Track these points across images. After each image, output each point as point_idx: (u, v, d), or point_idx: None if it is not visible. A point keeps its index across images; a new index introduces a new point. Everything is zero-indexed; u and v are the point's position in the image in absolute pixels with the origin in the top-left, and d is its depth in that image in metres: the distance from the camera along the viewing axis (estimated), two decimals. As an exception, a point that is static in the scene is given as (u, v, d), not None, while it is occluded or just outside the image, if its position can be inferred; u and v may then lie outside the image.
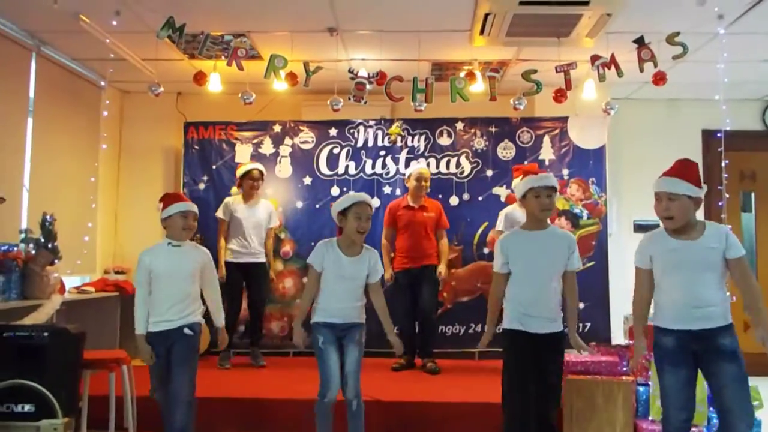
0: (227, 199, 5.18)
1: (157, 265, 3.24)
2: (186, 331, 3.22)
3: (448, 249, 5.12)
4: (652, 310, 3.00)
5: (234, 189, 5.34)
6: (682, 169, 2.88)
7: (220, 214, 5.11)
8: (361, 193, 3.37)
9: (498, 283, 3.24)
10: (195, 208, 3.36)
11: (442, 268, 4.99)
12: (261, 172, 5.18)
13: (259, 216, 5.11)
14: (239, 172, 5.18)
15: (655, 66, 4.15)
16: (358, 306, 3.34)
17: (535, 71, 4.36)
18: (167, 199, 3.35)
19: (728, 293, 2.95)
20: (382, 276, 3.71)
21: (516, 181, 4.42)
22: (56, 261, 4.20)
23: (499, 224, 4.83)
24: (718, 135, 4.57)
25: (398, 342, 3.41)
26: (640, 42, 4.13)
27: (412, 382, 4.56)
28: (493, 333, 3.28)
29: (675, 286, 2.85)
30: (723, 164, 4.58)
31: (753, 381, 3.67)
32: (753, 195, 6.21)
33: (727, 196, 4.66)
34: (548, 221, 3.26)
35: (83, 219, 5.28)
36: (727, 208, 5.07)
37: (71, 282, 4.94)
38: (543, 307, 3.11)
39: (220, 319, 3.47)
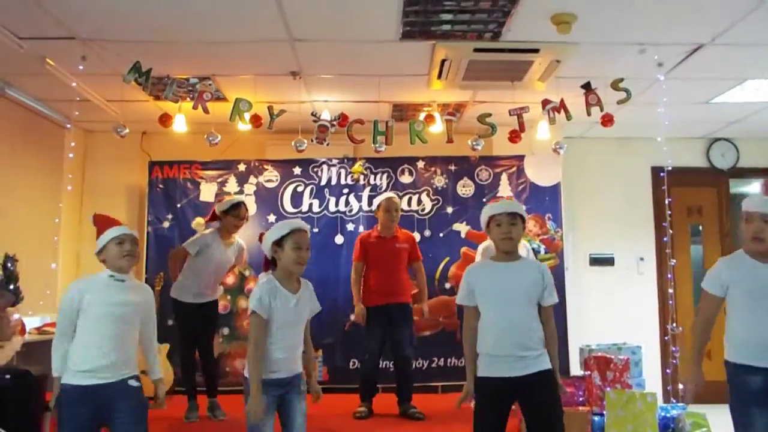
0: (205, 234, 4.54)
1: (92, 300, 2.76)
2: (132, 383, 2.78)
3: (425, 283, 4.82)
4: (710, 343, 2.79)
5: (198, 220, 4.89)
6: None
7: (189, 246, 4.46)
8: (297, 220, 2.96)
9: (467, 321, 2.82)
10: (133, 232, 2.94)
11: (425, 308, 4.68)
12: (247, 210, 4.60)
13: (230, 257, 4.57)
14: (222, 205, 4.50)
15: (602, 110, 4.38)
16: (300, 351, 2.92)
17: (490, 114, 4.55)
18: (98, 224, 2.93)
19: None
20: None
21: None
22: (18, 303, 4.16)
23: (478, 257, 4.64)
24: (662, 174, 4.82)
25: (316, 390, 3.00)
26: (587, 87, 4.36)
27: (373, 419, 4.44)
28: (472, 384, 2.79)
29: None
30: (667, 201, 4.83)
31: (700, 408, 3.89)
32: (701, 228, 6.52)
33: (671, 231, 4.90)
34: (519, 253, 2.90)
35: (46, 259, 5.26)
36: (677, 240, 5.32)
37: (32, 323, 4.88)
38: (514, 347, 2.68)
39: (156, 370, 3.01)
